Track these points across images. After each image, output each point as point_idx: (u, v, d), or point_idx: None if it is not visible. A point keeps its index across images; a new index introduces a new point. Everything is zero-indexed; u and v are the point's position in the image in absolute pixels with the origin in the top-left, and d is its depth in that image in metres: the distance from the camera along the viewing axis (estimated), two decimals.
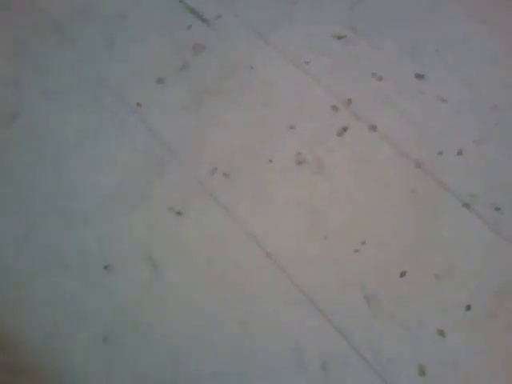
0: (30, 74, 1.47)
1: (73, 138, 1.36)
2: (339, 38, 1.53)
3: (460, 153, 1.31)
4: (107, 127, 1.37)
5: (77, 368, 1.08)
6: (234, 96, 1.42)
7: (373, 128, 1.36)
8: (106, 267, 1.18)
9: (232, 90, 1.43)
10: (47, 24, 1.56)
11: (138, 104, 1.40)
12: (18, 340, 1.11)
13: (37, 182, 1.30)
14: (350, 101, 1.40)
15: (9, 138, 1.36)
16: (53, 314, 1.14)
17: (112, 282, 1.16)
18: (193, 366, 1.09)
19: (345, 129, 1.36)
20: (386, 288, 1.16)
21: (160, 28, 1.56)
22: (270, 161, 1.31)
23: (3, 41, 1.53)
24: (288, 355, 1.09)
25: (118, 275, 1.17)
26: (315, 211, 1.25)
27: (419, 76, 1.44)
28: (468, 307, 1.13)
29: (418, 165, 1.30)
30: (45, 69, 1.48)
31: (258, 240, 1.21)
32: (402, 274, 1.17)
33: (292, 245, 1.21)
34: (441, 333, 1.11)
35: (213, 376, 1.08)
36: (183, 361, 1.10)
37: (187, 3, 1.59)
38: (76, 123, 1.38)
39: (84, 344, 1.10)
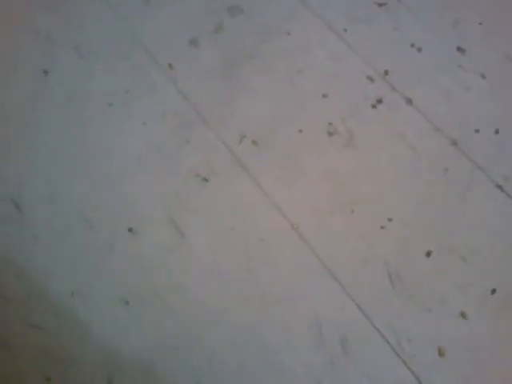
0: (64, 30, 1.46)
1: (103, 97, 1.35)
2: (380, 5, 1.48)
3: (497, 132, 1.27)
4: (138, 87, 1.36)
5: (96, 328, 1.10)
6: (267, 61, 1.39)
7: (408, 101, 1.32)
8: (130, 230, 1.18)
9: (266, 55, 1.40)
10: None
11: (170, 65, 1.39)
12: (40, 297, 1.13)
13: (65, 141, 1.30)
14: (386, 72, 1.36)
15: (39, 94, 1.36)
16: (76, 274, 1.15)
17: (136, 245, 1.17)
18: (211, 335, 1.10)
19: (379, 101, 1.33)
20: (410, 267, 1.14)
21: None
22: (300, 130, 1.29)
23: None
24: (307, 329, 1.09)
25: (142, 238, 1.18)
26: (343, 184, 1.23)
27: (460, 49, 1.39)
28: (493, 291, 1.11)
29: (453, 142, 1.26)
30: (78, 25, 1.46)
31: (282, 211, 1.20)
32: (428, 254, 1.15)
33: (317, 217, 1.20)
34: (463, 315, 1.09)
35: (231, 345, 1.09)
36: (202, 329, 1.10)
37: None
38: (107, 82, 1.37)
39: (105, 306, 1.12)
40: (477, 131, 1.27)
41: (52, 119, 1.33)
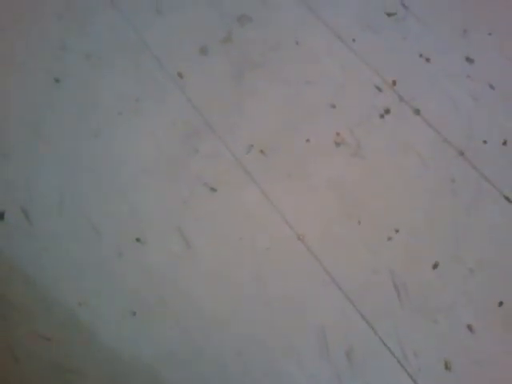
0: (75, 37, 1.44)
1: (114, 106, 1.33)
2: (389, 14, 1.45)
3: (505, 143, 1.24)
4: (148, 96, 1.34)
5: (103, 339, 1.07)
6: (276, 71, 1.36)
7: (416, 112, 1.29)
8: (138, 239, 1.16)
9: (275, 64, 1.37)
10: None
11: (180, 74, 1.36)
12: (48, 307, 1.11)
13: (75, 149, 1.28)
14: (394, 82, 1.33)
15: (51, 102, 1.34)
16: (84, 284, 1.13)
17: (143, 254, 1.15)
18: (218, 343, 1.07)
19: (387, 111, 1.30)
20: (416, 278, 1.11)
21: None
22: (307, 140, 1.26)
23: (49, 2, 1.49)
24: (313, 340, 1.07)
25: (150, 248, 1.15)
26: (350, 195, 1.20)
27: (469, 60, 1.36)
28: (500, 304, 1.08)
29: (461, 153, 1.23)
30: (90, 32, 1.44)
31: (289, 220, 1.17)
32: (435, 266, 1.12)
33: (324, 227, 1.17)
34: (470, 328, 1.06)
35: (237, 354, 1.06)
36: (209, 337, 1.08)
37: None
38: (118, 90, 1.35)
39: (113, 316, 1.09)
40: (485, 142, 1.24)
41: (62, 127, 1.31)
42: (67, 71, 1.39)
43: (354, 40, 1.40)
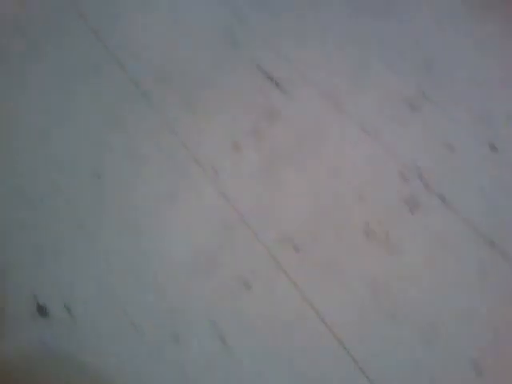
0: (118, 136, 1.45)
1: (151, 201, 1.32)
2: (411, 104, 1.43)
3: None
4: (183, 192, 1.33)
5: None
6: (304, 164, 1.35)
7: (443, 202, 1.25)
8: (174, 336, 1.12)
9: (303, 158, 1.36)
10: (135, 89, 1.53)
11: (214, 169, 1.35)
12: None
13: (115, 245, 1.26)
14: (420, 172, 1.31)
15: (91, 198, 1.34)
16: (123, 382, 1.08)
17: (180, 353, 1.10)
18: None
19: (414, 201, 1.26)
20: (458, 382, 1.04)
21: (237, 93, 1.51)
22: (337, 232, 1.23)
23: (95, 105, 1.51)
24: None
25: (186, 347, 1.11)
26: (383, 288, 1.16)
27: (493, 147, 1.32)
28: None
29: (492, 244, 1.18)
30: (131, 132, 1.45)
31: (323, 316, 1.12)
32: (476, 366, 1.04)
33: (358, 324, 1.12)
34: None
35: None
36: None
37: (264, 69, 1.54)
38: (154, 186, 1.35)
39: None
40: None
41: (103, 223, 1.30)
42: (108, 167, 1.39)
43: (378, 131, 1.38)
